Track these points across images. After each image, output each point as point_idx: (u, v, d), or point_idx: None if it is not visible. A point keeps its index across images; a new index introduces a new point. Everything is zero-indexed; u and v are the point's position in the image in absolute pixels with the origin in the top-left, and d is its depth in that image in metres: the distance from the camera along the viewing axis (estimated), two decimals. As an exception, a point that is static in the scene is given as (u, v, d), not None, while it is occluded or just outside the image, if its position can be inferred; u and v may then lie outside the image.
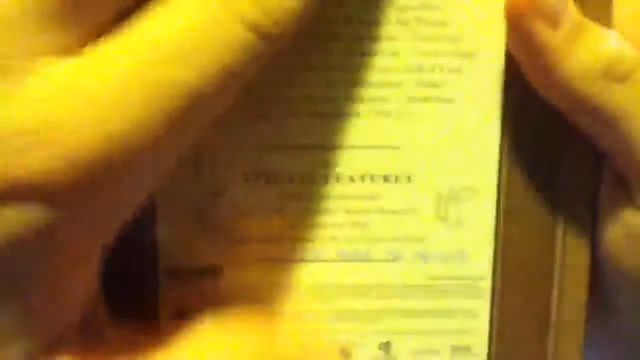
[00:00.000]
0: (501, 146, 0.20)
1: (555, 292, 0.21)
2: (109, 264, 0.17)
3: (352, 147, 0.19)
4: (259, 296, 0.20)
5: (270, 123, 0.19)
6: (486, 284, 0.20)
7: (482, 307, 0.21)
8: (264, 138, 0.19)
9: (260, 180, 0.19)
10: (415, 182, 0.20)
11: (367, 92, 0.19)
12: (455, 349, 0.21)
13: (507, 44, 0.19)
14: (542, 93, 0.18)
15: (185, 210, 0.19)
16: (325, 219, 0.20)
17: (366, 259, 0.20)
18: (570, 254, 0.20)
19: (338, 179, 0.19)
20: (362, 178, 0.20)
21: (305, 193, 0.20)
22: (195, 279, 0.20)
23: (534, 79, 0.18)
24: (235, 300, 0.20)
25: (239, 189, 0.19)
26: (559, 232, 0.20)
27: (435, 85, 0.19)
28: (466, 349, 0.21)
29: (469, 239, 0.20)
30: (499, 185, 0.20)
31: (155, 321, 0.20)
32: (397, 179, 0.20)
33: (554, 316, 0.21)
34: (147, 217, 0.19)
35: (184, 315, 0.20)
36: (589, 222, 0.20)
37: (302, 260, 0.20)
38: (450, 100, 0.19)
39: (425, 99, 0.19)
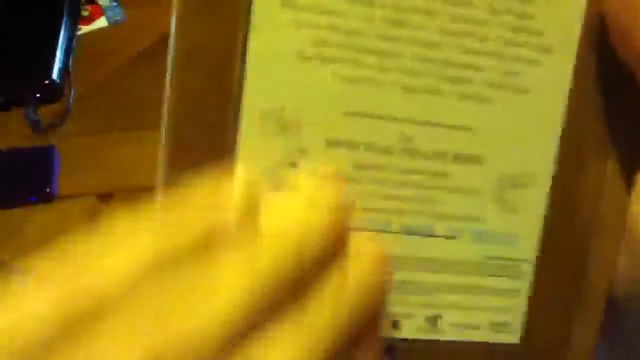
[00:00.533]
0: (561, 139, 0.21)
1: (586, 282, 0.22)
2: None
3: (431, 124, 0.20)
4: None
5: (358, 91, 0.19)
6: (530, 267, 0.22)
7: (524, 287, 0.22)
8: (351, 105, 0.19)
9: (340, 148, 0.20)
10: (482, 165, 0.21)
11: (452, 72, 0.20)
12: (494, 325, 0.22)
13: (579, 44, 0.20)
14: (620, 53, 0.20)
15: (264, 166, 0.19)
16: (396, 191, 0.20)
17: (429, 234, 0.21)
18: (604, 250, 0.22)
19: (413, 155, 0.20)
20: (436, 156, 0.20)
21: (381, 164, 0.20)
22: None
23: (616, 38, 0.20)
24: None
25: (319, 154, 0.20)
26: (598, 227, 0.22)
27: (514, 74, 0.20)
28: (504, 325, 0.22)
29: (521, 224, 0.21)
30: (554, 176, 0.21)
31: None
32: (466, 160, 0.21)
33: (583, 301, 0.22)
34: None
35: None
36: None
37: (369, 230, 0.20)
38: (525, 91, 0.20)
39: (504, 86, 0.20)
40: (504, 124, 0.20)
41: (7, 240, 0.64)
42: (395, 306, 0.21)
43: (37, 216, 0.65)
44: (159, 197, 0.19)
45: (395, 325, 0.21)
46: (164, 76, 0.19)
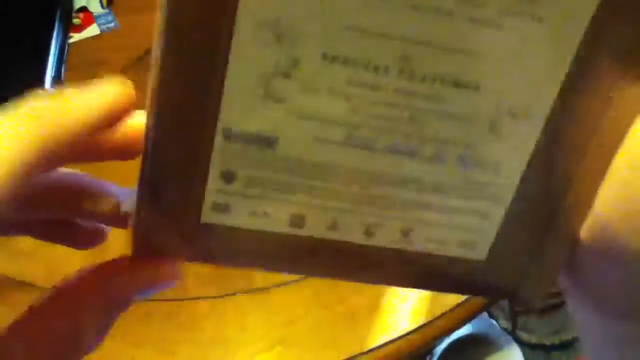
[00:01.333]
0: (566, 75, 0.20)
1: (558, 222, 0.22)
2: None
3: (435, 46, 0.19)
4: (303, 172, 0.21)
5: (363, 4, 0.19)
6: (509, 195, 0.22)
7: (498, 213, 0.22)
8: (353, 18, 0.19)
9: (336, 62, 0.19)
10: (482, 93, 0.20)
11: None
12: (462, 243, 0.22)
13: None
14: None
15: (256, 76, 0.19)
16: (387, 111, 0.20)
17: (414, 155, 0.21)
18: (583, 192, 0.22)
19: (411, 76, 0.20)
20: (434, 80, 0.20)
21: (376, 83, 0.20)
22: (248, 145, 0.20)
23: None
24: (278, 166, 0.21)
25: (314, 67, 0.19)
26: (582, 169, 0.22)
27: (531, 1, 0.19)
28: (471, 244, 0.22)
29: (510, 154, 0.21)
30: (551, 111, 0.21)
31: (203, 181, 0.20)
32: (466, 86, 0.20)
33: (551, 239, 0.22)
34: (214, 75, 0.19)
35: (231, 177, 0.20)
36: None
37: (354, 145, 0.20)
38: (539, 19, 0.19)
39: (518, 13, 0.19)
40: (510, 51, 0.20)
41: (3, 248, 0.64)
42: (372, 217, 0.22)
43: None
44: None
45: (369, 234, 0.22)
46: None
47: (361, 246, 0.22)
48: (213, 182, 0.20)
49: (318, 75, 0.19)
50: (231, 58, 0.19)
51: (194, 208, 0.21)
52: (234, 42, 0.19)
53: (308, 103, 0.20)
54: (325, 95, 0.20)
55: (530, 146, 0.21)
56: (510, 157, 0.21)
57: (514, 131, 0.21)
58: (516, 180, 0.22)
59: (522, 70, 0.20)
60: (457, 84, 0.20)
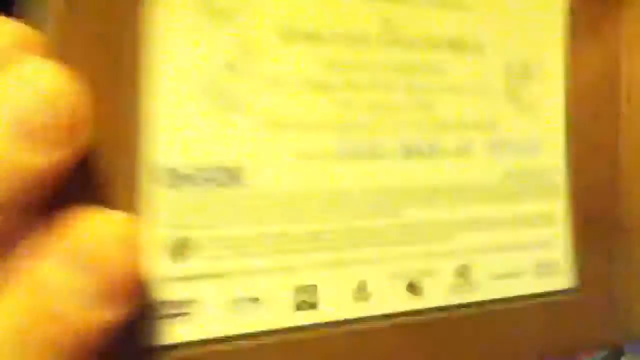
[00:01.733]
0: (567, 25, 0.18)
1: (622, 193, 0.19)
2: None
3: (418, 2, 0.16)
4: (294, 211, 0.14)
5: None
6: (561, 179, 0.18)
7: (559, 207, 0.18)
8: None
9: (300, 41, 0.14)
10: (486, 53, 0.17)
11: None
12: (538, 268, 0.17)
13: None
14: None
15: (193, 77, 0.13)
16: (381, 96, 0.15)
17: (433, 151, 0.16)
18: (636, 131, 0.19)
19: (397, 43, 0.15)
20: (426, 43, 0.16)
21: (357, 60, 0.15)
22: (206, 187, 0.13)
23: None
24: (259, 211, 0.14)
25: (272, 52, 0.14)
26: (627, 117, 0.19)
27: None
28: (549, 267, 0.17)
29: (541, 127, 0.17)
30: (565, 64, 0.18)
31: None
32: (465, 47, 0.16)
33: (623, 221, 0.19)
34: (127, 87, 0.13)
35: (188, 248, 0.13)
36: None
37: (352, 154, 0.15)
38: None
39: None
40: (502, 3, 0.17)
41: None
42: (413, 262, 0.16)
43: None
44: None
45: (415, 290, 0.16)
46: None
47: (405, 314, 0.15)
48: (162, 264, 0.13)
49: (280, 62, 0.14)
50: (150, 53, 0.13)
51: (140, 326, 0.13)
52: (150, 33, 0.13)
53: (276, 105, 0.14)
54: (296, 89, 0.14)
55: (560, 115, 0.18)
56: (543, 130, 0.17)
57: (535, 97, 0.17)
58: (561, 157, 0.18)
59: (520, 23, 0.17)
60: (454, 46, 0.16)
